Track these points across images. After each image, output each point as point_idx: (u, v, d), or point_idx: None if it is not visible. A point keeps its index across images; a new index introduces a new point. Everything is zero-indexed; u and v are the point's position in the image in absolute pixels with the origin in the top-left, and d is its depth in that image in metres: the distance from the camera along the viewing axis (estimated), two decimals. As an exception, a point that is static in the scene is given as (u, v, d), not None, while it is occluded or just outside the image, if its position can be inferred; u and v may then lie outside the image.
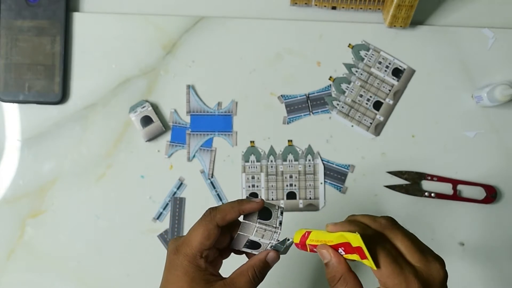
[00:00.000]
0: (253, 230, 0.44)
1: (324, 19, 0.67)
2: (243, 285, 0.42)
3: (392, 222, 0.41)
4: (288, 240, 0.45)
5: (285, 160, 0.66)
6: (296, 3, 0.67)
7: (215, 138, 0.66)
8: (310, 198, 0.66)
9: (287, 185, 0.66)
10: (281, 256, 0.46)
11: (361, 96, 0.67)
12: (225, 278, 0.43)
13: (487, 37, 0.67)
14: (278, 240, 0.45)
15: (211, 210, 0.43)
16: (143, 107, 0.64)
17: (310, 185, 0.66)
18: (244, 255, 0.48)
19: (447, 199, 0.66)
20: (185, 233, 0.61)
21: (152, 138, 0.65)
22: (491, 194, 0.65)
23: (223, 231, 0.45)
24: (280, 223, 0.45)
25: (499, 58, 0.67)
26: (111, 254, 0.65)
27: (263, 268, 0.44)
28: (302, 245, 0.44)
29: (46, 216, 0.64)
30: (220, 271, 0.46)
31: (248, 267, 0.44)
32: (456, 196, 0.66)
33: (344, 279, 0.39)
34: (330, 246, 0.41)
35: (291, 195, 0.66)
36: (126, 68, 0.66)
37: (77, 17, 0.66)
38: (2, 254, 0.64)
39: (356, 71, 0.67)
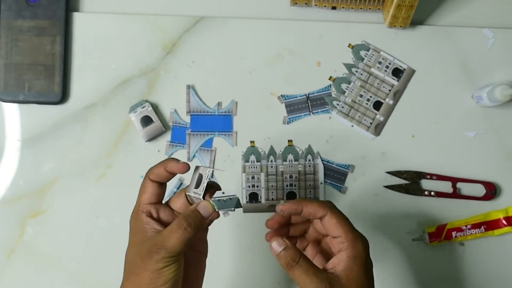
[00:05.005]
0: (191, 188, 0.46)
1: (324, 19, 0.67)
2: (176, 244, 0.42)
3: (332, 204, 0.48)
4: (234, 196, 0.45)
5: (285, 160, 0.66)
6: (296, 3, 0.67)
7: (215, 138, 0.66)
8: (310, 198, 0.66)
9: (287, 185, 0.66)
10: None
11: (361, 96, 0.67)
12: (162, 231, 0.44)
13: (487, 37, 0.67)
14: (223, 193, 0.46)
15: (147, 170, 0.47)
16: (143, 107, 0.64)
17: (310, 185, 0.66)
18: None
19: (447, 197, 0.66)
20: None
21: (152, 138, 0.65)
22: (491, 191, 0.66)
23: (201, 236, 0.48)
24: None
25: (499, 58, 0.67)
26: (111, 254, 0.65)
27: (194, 220, 0.43)
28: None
29: (46, 216, 0.64)
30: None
31: (178, 219, 0.43)
32: (456, 194, 0.66)
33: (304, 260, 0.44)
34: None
35: (291, 195, 0.66)
36: (126, 68, 0.66)
37: (77, 17, 0.66)
38: (2, 254, 0.64)
39: (356, 71, 0.67)
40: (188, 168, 0.45)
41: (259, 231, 0.65)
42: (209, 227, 0.49)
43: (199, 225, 0.44)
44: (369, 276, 0.45)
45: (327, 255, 0.50)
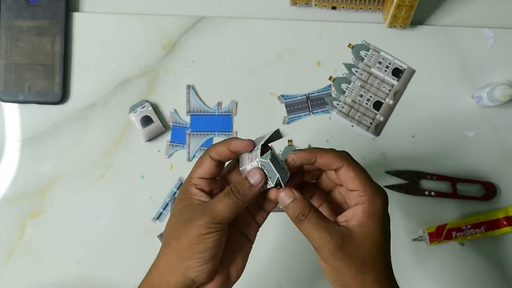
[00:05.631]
0: (245, 160, 0.44)
1: (324, 19, 0.67)
2: (222, 209, 0.40)
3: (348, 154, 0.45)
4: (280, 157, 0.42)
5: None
6: (296, 3, 0.67)
7: (215, 138, 0.66)
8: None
9: (287, 185, 0.66)
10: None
11: (361, 96, 0.67)
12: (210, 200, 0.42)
13: (487, 37, 0.67)
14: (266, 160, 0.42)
15: (209, 146, 0.45)
16: (143, 107, 0.64)
17: (310, 185, 0.66)
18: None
19: (447, 197, 0.66)
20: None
21: (152, 138, 0.65)
22: (491, 191, 0.66)
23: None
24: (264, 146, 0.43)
25: (499, 58, 0.67)
26: (111, 254, 0.65)
27: (243, 188, 0.42)
28: None
29: (46, 216, 0.64)
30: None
31: (227, 188, 0.42)
32: (456, 194, 0.66)
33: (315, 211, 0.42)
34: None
35: (291, 195, 0.65)
36: (126, 68, 0.66)
37: (77, 17, 0.66)
38: (2, 254, 0.64)
39: (356, 71, 0.67)
40: (253, 145, 0.43)
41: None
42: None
43: (248, 193, 0.42)
44: (385, 234, 0.42)
45: (337, 206, 0.46)
